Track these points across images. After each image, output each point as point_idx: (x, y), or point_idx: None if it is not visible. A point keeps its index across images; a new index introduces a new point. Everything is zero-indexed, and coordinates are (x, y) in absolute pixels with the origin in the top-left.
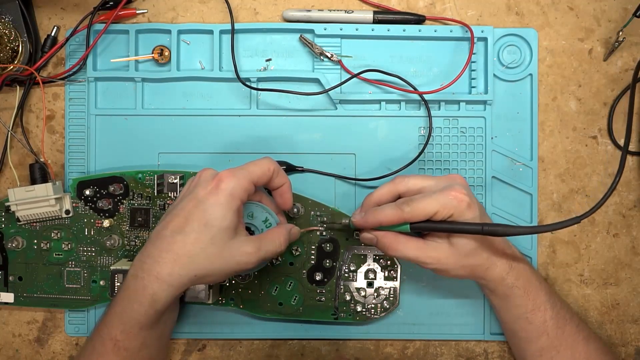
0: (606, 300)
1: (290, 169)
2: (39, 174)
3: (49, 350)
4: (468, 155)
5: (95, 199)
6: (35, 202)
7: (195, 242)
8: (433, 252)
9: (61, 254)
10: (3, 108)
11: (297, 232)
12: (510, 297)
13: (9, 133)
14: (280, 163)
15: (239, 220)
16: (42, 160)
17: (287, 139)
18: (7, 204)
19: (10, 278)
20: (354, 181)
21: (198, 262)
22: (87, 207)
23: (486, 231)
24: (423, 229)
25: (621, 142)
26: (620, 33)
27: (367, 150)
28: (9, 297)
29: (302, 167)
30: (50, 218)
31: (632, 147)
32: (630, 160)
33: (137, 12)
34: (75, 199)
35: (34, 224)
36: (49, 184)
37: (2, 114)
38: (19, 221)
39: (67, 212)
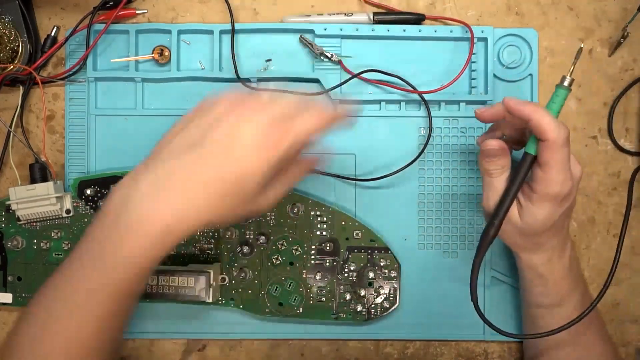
0: (606, 300)
1: None
2: (39, 173)
3: None
4: (468, 155)
5: (96, 198)
6: (36, 200)
7: None
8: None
9: (61, 254)
10: (3, 108)
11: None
12: (535, 284)
13: (11, 133)
14: None
15: None
16: (42, 160)
17: None
18: (7, 202)
19: (10, 278)
20: (354, 181)
21: None
22: (88, 207)
23: None
24: None
25: (621, 142)
26: (626, 28)
27: (367, 150)
28: (7, 297)
29: None
30: (51, 217)
31: (632, 147)
32: (630, 160)
33: (137, 12)
34: (76, 198)
35: (34, 224)
36: (50, 183)
37: (1, 114)
38: (19, 221)
39: (68, 211)
